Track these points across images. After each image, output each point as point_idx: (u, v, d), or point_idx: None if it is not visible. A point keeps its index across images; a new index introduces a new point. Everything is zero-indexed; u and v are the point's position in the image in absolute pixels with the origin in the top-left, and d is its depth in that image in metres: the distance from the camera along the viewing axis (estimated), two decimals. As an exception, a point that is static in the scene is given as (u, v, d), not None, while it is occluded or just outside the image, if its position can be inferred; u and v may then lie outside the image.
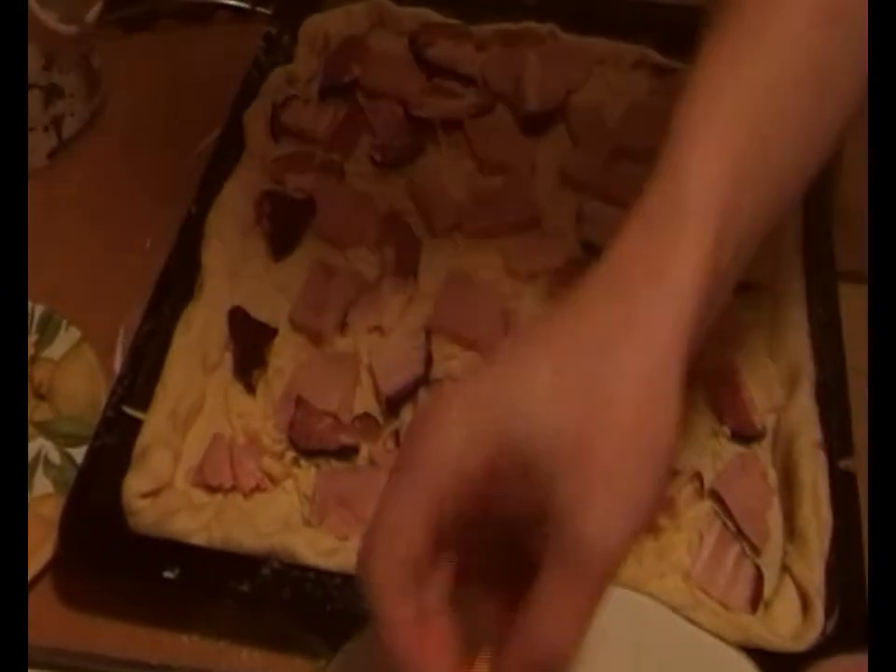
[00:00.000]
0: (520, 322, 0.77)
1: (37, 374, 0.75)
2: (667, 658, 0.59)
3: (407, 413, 0.72)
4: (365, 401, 0.74)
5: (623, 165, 0.85)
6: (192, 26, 1.01)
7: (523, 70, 0.92)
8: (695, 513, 0.69)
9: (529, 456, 0.44)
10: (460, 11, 0.97)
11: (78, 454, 0.71)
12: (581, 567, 0.43)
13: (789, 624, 0.64)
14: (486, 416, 0.45)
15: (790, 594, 0.65)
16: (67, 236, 0.85)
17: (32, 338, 0.77)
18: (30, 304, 0.78)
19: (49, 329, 0.78)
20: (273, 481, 0.69)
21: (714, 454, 0.72)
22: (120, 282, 0.83)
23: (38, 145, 0.88)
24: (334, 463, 0.70)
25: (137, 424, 0.70)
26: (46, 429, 0.73)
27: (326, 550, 0.65)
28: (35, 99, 0.86)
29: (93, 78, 0.91)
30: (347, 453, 0.70)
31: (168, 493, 0.68)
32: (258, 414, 0.72)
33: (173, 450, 0.69)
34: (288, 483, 0.69)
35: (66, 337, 0.77)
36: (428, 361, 0.74)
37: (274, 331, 0.76)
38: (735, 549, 0.67)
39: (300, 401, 0.72)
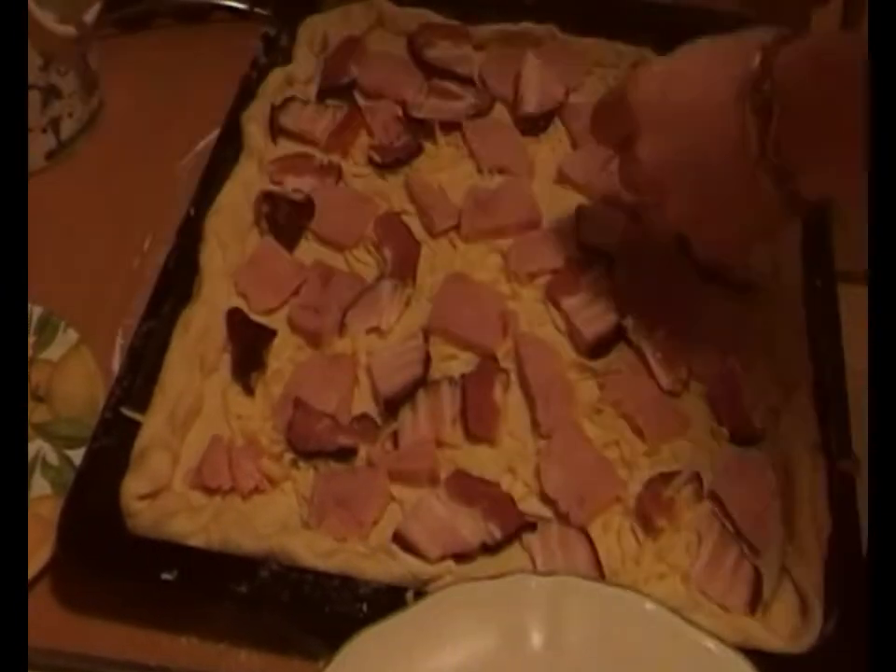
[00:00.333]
0: (518, 323, 0.77)
1: (35, 376, 0.75)
2: (666, 659, 0.60)
3: (405, 415, 0.72)
4: (363, 403, 0.74)
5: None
6: (190, 27, 1.01)
7: (521, 71, 0.92)
8: (694, 515, 0.69)
9: None
10: (459, 12, 0.97)
11: (77, 455, 0.71)
12: None
13: (787, 626, 0.64)
14: None
15: (788, 595, 0.65)
16: (65, 237, 0.85)
17: (30, 339, 0.77)
18: (28, 306, 0.77)
19: (47, 331, 0.77)
20: (272, 482, 0.69)
21: (713, 455, 0.72)
22: (119, 283, 0.83)
23: (36, 146, 0.88)
24: (333, 464, 0.70)
25: (136, 425, 0.70)
26: (44, 431, 0.73)
27: (324, 551, 0.65)
28: (33, 100, 0.86)
29: (91, 79, 0.91)
30: (346, 454, 0.70)
31: (166, 495, 0.68)
32: (256, 416, 0.72)
33: (171, 452, 0.69)
34: (287, 485, 0.69)
35: (64, 339, 0.77)
36: (427, 362, 0.74)
37: (273, 333, 0.76)
38: (734, 550, 0.67)
39: (298, 403, 0.72)
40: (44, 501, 0.69)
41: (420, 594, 0.63)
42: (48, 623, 0.65)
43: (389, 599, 0.63)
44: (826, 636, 0.63)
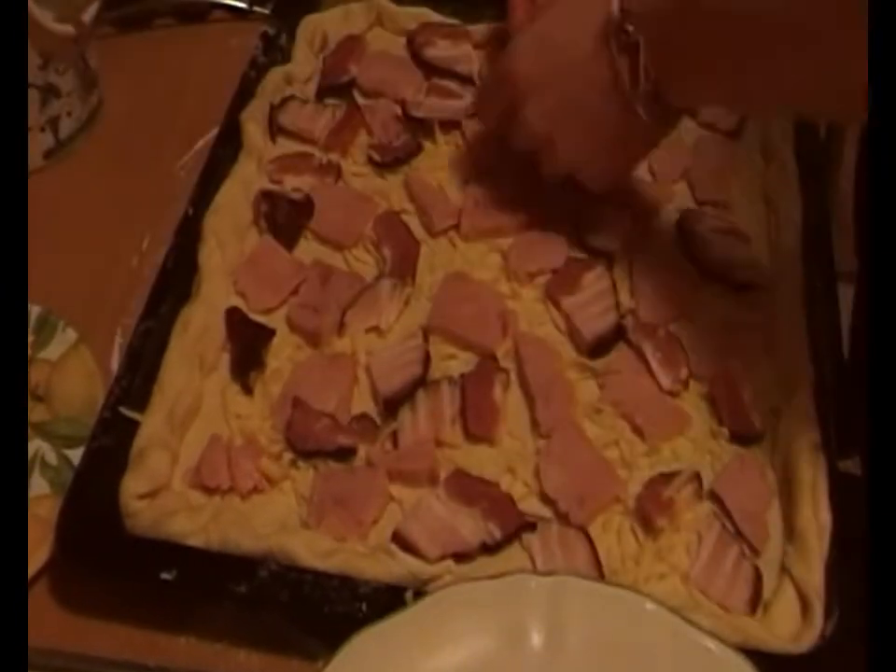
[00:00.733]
0: (518, 322, 0.77)
1: (34, 376, 0.75)
2: (666, 659, 0.59)
3: (405, 414, 0.72)
4: (363, 402, 0.73)
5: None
6: (189, 26, 1.01)
7: (521, 70, 0.92)
8: (694, 514, 0.69)
9: None
10: (458, 11, 0.97)
11: (75, 455, 0.71)
12: None
13: (788, 626, 0.64)
14: None
15: (789, 595, 0.65)
16: (64, 237, 0.85)
17: (28, 339, 0.77)
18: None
19: (45, 330, 0.77)
20: (271, 482, 0.69)
21: (713, 455, 0.72)
22: (118, 282, 0.83)
23: (35, 145, 0.88)
24: (332, 464, 0.70)
25: (134, 425, 0.70)
26: (42, 431, 0.73)
27: (324, 551, 0.65)
28: (31, 99, 0.86)
29: (90, 78, 0.91)
30: (345, 454, 0.70)
31: (165, 494, 0.68)
32: (255, 415, 0.72)
33: (170, 451, 0.69)
34: (286, 485, 0.69)
35: (63, 338, 0.77)
36: (426, 362, 0.74)
37: (272, 332, 0.76)
38: (734, 550, 0.67)
39: (297, 402, 0.72)
40: (42, 501, 0.69)
41: (420, 593, 0.62)
42: (46, 622, 0.65)
43: (389, 599, 0.63)
44: (826, 636, 0.63)
